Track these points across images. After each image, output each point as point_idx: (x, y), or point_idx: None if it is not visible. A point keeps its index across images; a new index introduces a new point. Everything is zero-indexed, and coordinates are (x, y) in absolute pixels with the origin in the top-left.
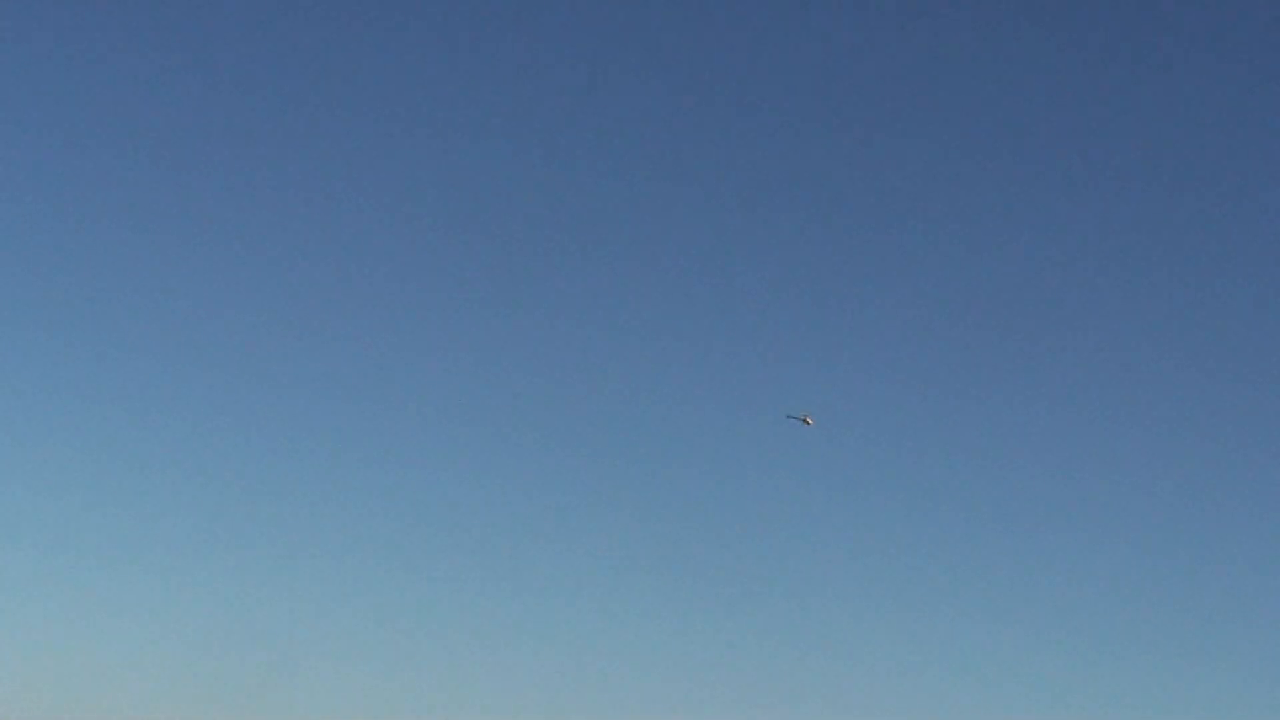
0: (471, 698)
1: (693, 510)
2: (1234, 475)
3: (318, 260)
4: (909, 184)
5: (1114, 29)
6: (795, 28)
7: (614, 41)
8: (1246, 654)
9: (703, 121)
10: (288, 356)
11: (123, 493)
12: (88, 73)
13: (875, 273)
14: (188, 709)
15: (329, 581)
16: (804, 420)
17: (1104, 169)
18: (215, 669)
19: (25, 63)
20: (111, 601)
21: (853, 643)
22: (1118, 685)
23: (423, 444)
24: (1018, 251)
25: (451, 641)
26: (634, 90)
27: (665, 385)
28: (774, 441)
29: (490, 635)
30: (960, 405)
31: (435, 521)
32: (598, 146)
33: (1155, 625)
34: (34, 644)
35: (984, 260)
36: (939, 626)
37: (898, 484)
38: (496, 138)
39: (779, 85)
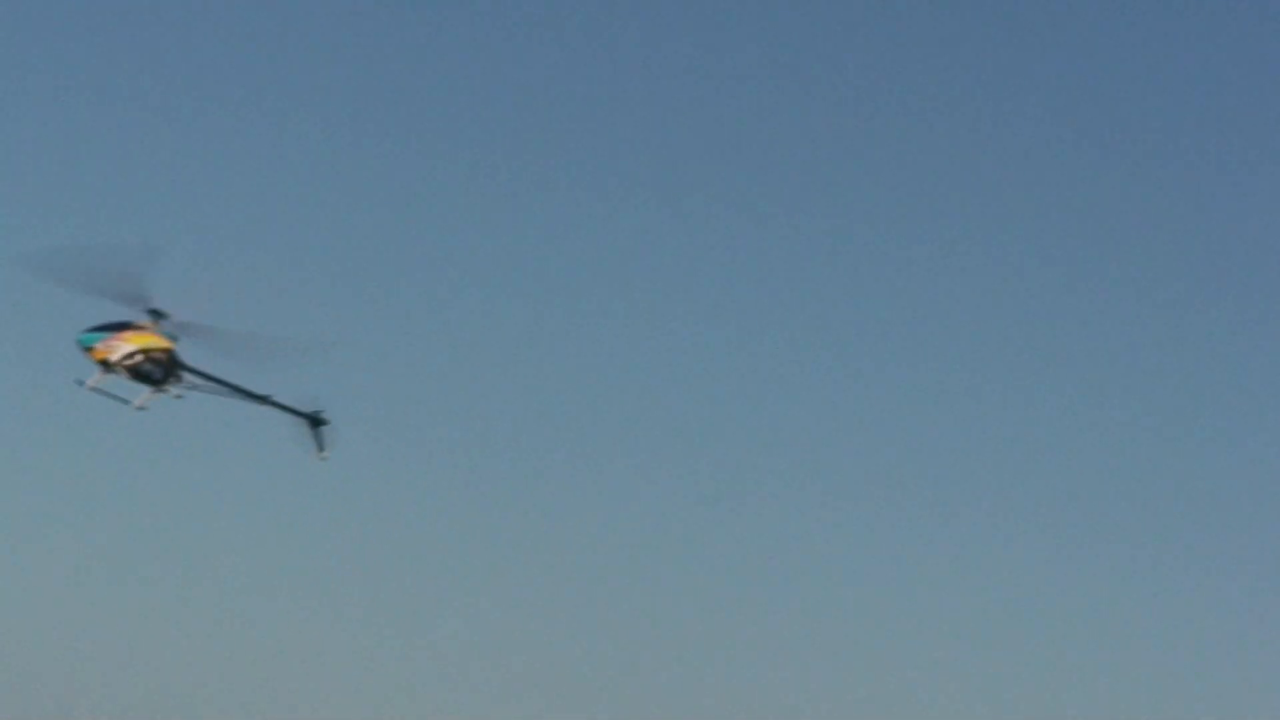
0: (471, 697)
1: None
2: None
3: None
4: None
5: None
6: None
7: (612, 39)
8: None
9: (702, 121)
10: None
11: (122, 489)
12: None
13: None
14: (186, 709)
15: (326, 582)
16: None
17: (1104, 170)
18: (213, 668)
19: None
20: (111, 601)
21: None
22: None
23: (409, 439)
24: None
25: (448, 641)
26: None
27: (662, 383)
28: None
29: (489, 636)
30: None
31: (431, 521)
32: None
33: (1154, 620)
34: (32, 643)
35: (969, 253)
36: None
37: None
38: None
39: (777, 83)
